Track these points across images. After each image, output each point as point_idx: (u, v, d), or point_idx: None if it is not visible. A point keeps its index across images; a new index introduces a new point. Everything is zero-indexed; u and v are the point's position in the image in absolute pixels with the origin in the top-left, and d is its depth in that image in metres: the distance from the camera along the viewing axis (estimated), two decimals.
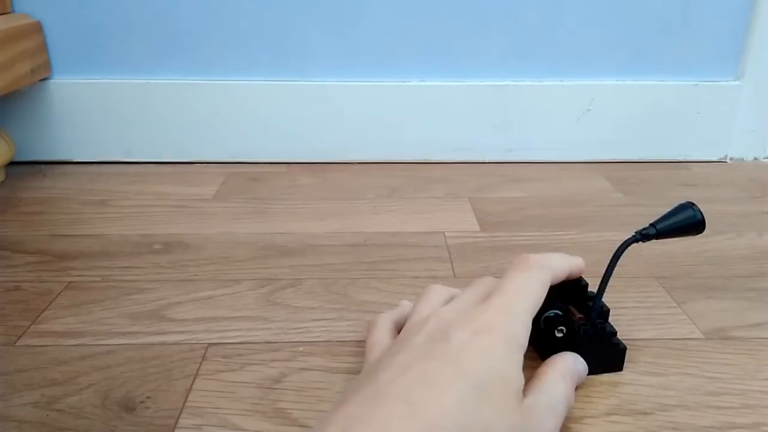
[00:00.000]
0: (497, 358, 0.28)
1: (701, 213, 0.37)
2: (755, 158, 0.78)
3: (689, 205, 0.37)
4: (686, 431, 0.32)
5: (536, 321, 0.37)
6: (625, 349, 0.37)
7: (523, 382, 0.29)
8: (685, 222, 0.37)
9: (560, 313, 0.37)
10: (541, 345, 0.37)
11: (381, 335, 0.35)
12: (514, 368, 0.29)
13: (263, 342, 0.40)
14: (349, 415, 0.26)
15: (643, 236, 0.36)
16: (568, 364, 0.34)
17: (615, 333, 0.37)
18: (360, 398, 0.27)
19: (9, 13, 0.67)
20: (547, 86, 0.73)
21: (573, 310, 0.37)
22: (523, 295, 0.32)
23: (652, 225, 0.37)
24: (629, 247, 0.36)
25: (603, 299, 0.36)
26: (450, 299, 0.35)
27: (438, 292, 0.36)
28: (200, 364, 0.37)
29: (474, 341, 0.29)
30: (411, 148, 0.75)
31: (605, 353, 0.37)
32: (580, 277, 0.37)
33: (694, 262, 0.51)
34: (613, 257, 0.36)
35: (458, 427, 0.25)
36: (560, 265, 0.35)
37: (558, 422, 0.30)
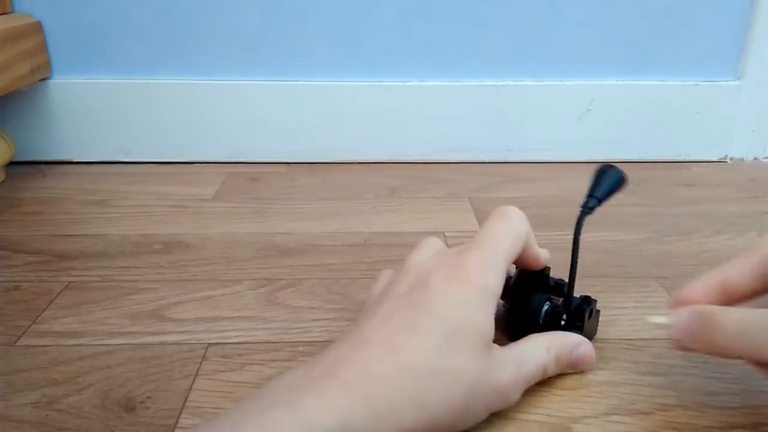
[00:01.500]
0: (469, 307, 0.30)
1: (621, 170, 0.39)
2: (755, 158, 0.78)
3: (608, 167, 0.39)
4: (686, 431, 0.32)
5: (536, 319, 0.37)
6: (599, 312, 0.39)
7: (493, 329, 0.31)
8: (613, 181, 0.39)
9: (550, 303, 0.38)
10: None
11: (381, 287, 0.37)
12: (486, 317, 0.31)
13: (263, 342, 0.40)
14: (335, 359, 0.29)
15: (591, 208, 0.38)
16: (560, 341, 0.35)
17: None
18: (347, 344, 0.30)
19: (9, 13, 0.67)
20: (546, 86, 0.73)
21: (553, 297, 0.38)
22: (501, 243, 0.33)
23: (591, 196, 0.38)
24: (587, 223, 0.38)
25: (579, 290, 0.37)
26: (441, 251, 0.37)
27: (431, 243, 0.38)
28: (200, 364, 0.37)
29: (449, 289, 0.31)
30: (411, 148, 0.75)
31: (593, 324, 0.39)
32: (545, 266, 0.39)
33: (694, 262, 0.51)
34: (574, 236, 0.37)
35: (430, 368, 0.28)
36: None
37: (519, 377, 0.31)
